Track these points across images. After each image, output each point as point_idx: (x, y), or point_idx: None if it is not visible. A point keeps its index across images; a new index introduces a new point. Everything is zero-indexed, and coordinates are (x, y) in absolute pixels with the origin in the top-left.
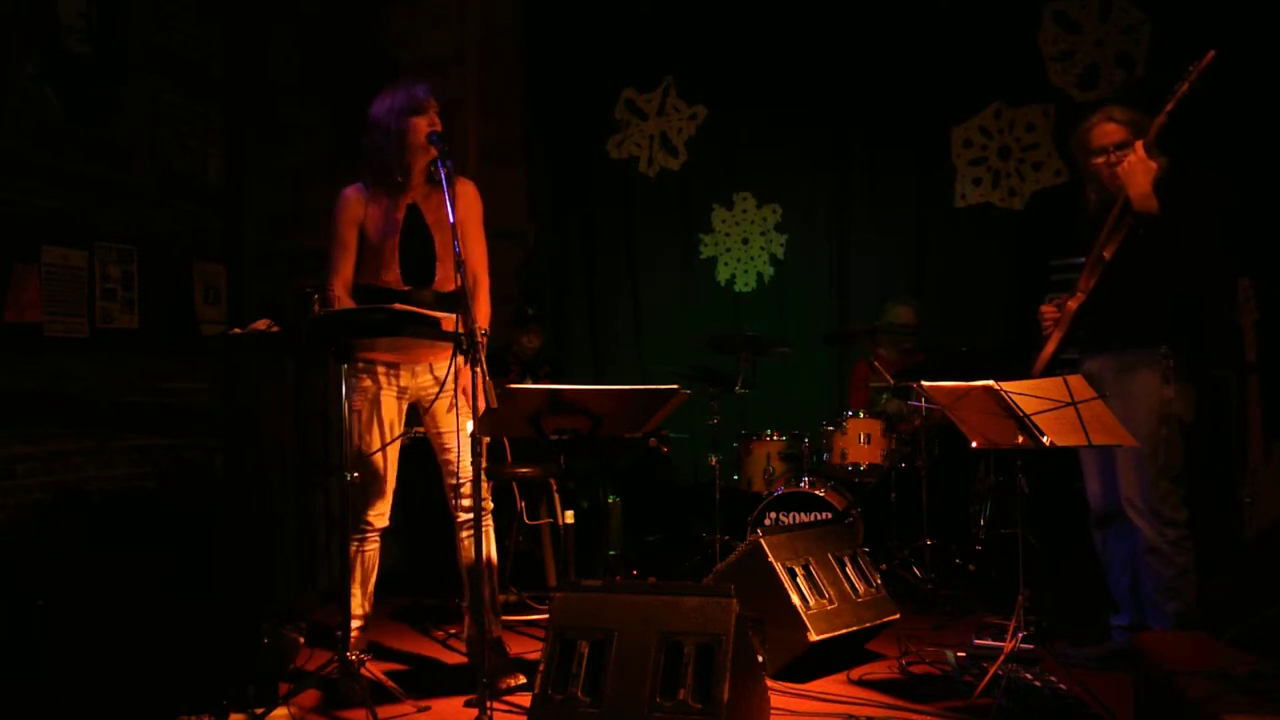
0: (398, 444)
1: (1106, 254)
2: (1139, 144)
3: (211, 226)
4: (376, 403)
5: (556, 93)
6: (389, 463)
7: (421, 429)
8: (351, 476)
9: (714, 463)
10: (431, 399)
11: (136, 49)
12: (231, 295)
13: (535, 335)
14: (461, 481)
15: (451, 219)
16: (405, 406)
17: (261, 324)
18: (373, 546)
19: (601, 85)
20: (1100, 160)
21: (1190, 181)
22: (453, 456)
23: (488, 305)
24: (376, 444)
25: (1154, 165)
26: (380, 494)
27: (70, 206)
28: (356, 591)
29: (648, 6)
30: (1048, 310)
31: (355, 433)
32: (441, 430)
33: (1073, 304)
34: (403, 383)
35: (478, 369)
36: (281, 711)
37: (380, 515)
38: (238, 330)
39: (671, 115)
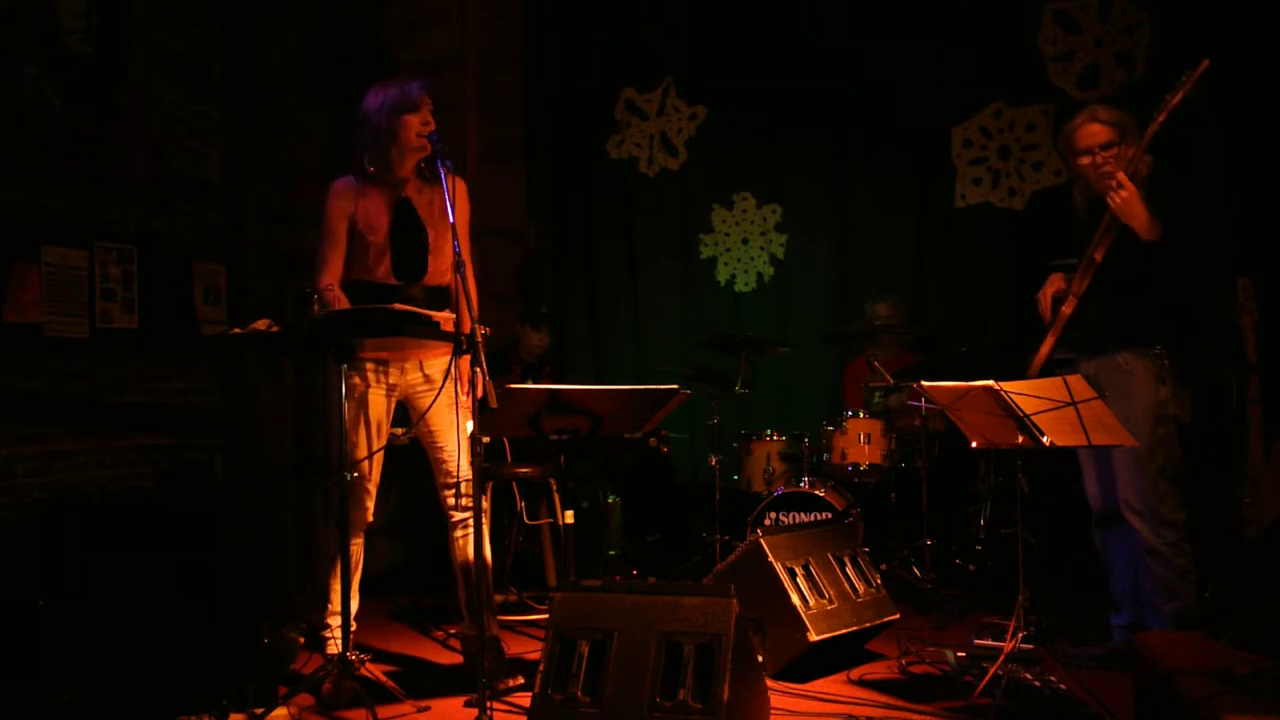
0: (383, 443)
1: (1097, 257)
2: (1121, 175)
3: (211, 226)
4: (364, 401)
5: (556, 93)
6: (374, 462)
7: (400, 430)
8: (351, 476)
9: (714, 463)
10: (421, 397)
11: (136, 49)
12: (231, 295)
13: (546, 334)
14: (459, 481)
15: (451, 218)
16: (394, 404)
17: (261, 324)
18: (357, 543)
19: (601, 85)
20: (1086, 161)
21: (1180, 191)
22: (445, 455)
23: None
24: (363, 443)
25: (1143, 207)
26: (366, 493)
27: (70, 206)
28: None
29: (648, 6)
30: (1049, 290)
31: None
32: (434, 429)
33: (1066, 308)
34: (392, 380)
35: (478, 368)
36: (281, 711)
37: (366, 513)
38: (238, 330)
39: (671, 115)
